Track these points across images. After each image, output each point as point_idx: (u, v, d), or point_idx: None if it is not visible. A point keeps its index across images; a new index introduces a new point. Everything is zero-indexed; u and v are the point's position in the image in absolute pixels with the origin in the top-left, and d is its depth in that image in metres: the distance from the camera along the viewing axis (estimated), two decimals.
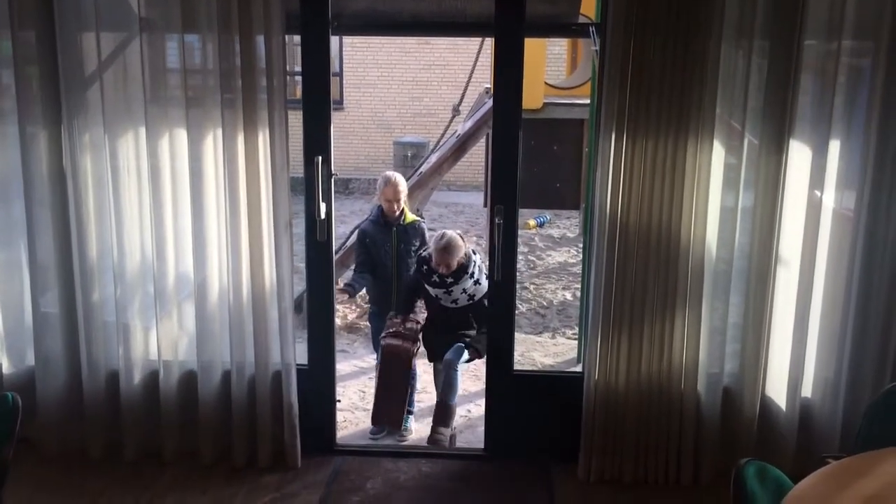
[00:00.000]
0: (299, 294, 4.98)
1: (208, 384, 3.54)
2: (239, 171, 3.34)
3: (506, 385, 3.65)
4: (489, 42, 8.07)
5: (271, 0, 3.19)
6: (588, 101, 6.01)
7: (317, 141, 3.44)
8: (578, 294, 6.99)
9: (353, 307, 6.71)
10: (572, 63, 9.56)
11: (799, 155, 3.26)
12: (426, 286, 4.27)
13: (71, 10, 3.27)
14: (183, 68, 3.30)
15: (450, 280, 4.18)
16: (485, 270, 4.17)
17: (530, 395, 3.67)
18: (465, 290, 4.19)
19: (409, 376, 4.33)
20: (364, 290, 4.92)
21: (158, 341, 3.54)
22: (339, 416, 3.94)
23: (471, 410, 4.86)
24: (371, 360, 5.28)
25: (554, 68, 11.07)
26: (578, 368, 3.73)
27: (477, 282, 4.20)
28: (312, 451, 3.64)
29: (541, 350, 6.23)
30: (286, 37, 3.28)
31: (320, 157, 3.41)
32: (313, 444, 3.64)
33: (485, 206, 8.87)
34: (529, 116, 6.72)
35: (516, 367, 3.77)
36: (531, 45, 6.80)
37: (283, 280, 3.43)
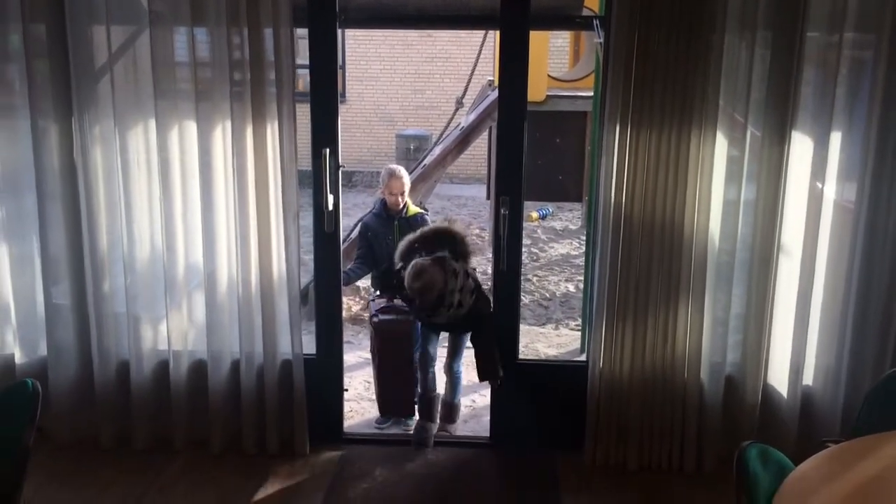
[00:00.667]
0: (305, 285, 5.03)
1: (218, 373, 3.59)
2: (248, 163, 3.38)
3: (511, 374, 3.70)
4: (492, 35, 8.10)
5: None
6: (591, 94, 6.03)
7: (324, 133, 3.48)
8: (581, 286, 7.02)
9: (358, 299, 6.76)
10: (575, 56, 9.58)
11: (801, 146, 3.30)
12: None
13: (81, 3, 3.31)
14: (192, 61, 3.34)
15: (427, 313, 3.65)
16: (472, 286, 3.68)
17: (535, 385, 3.71)
18: (448, 310, 3.57)
19: (411, 356, 3.97)
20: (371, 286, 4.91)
21: (168, 331, 3.58)
22: (346, 407, 3.97)
23: (475, 401, 4.89)
24: None
25: (557, 61, 11.09)
26: (582, 358, 3.76)
27: (460, 303, 3.58)
28: (320, 439, 3.70)
29: (544, 341, 6.27)
30: (293, 30, 3.32)
31: (328, 150, 3.45)
32: (321, 432, 3.70)
33: (487, 198, 8.89)
34: (533, 109, 6.72)
35: (520, 356, 3.82)
36: (534, 38, 6.82)
37: (291, 270, 3.48)
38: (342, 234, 3.78)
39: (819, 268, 3.38)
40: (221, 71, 3.33)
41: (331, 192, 3.49)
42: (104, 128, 3.40)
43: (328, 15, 3.41)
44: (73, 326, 3.60)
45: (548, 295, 7.75)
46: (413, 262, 3.60)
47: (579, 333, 6.03)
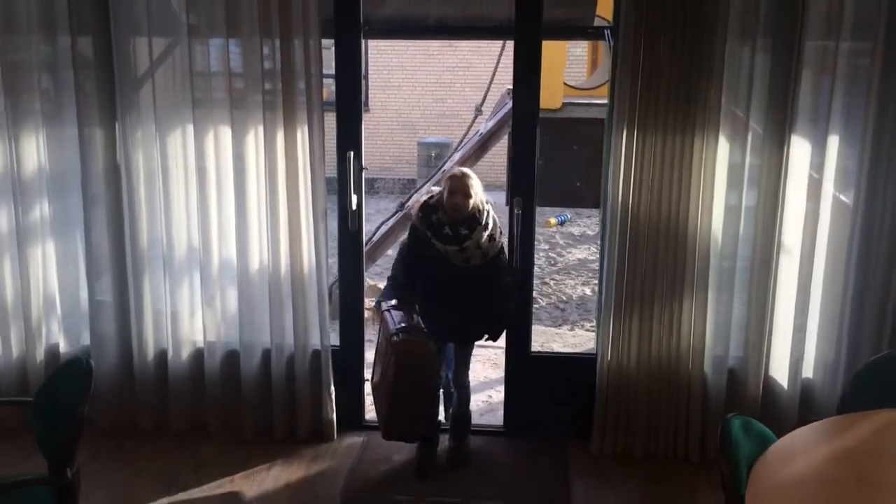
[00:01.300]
0: (329, 285, 5.25)
1: (249, 363, 3.82)
2: (279, 166, 3.62)
3: (523, 366, 3.90)
4: (510, 44, 8.33)
5: (309, 6, 3.47)
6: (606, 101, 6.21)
7: (349, 138, 3.71)
8: (597, 289, 7.20)
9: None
10: (593, 65, 9.77)
11: (800, 149, 3.47)
12: (435, 244, 3.46)
13: (125, 16, 3.56)
14: (227, 71, 3.59)
15: (464, 232, 3.41)
16: (500, 228, 3.56)
17: (546, 376, 3.91)
18: (479, 246, 3.42)
19: (435, 378, 3.61)
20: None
21: (203, 323, 3.83)
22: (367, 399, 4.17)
23: (491, 396, 5.09)
24: None
25: (577, 70, 11.29)
26: (591, 351, 3.95)
27: (491, 237, 3.45)
28: (343, 426, 3.90)
29: (560, 341, 6.46)
30: (321, 41, 3.56)
31: (352, 153, 3.69)
32: (344, 419, 3.90)
33: (506, 204, 8.99)
34: (550, 116, 6.94)
35: (533, 350, 4.02)
36: (551, 47, 7.06)
37: (320, 266, 3.70)
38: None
39: (817, 266, 3.54)
40: (254, 80, 3.57)
41: (354, 193, 3.72)
42: (145, 133, 3.66)
43: (353, 26, 3.64)
44: (115, 318, 3.84)
45: (564, 298, 7.94)
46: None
47: (594, 334, 6.22)
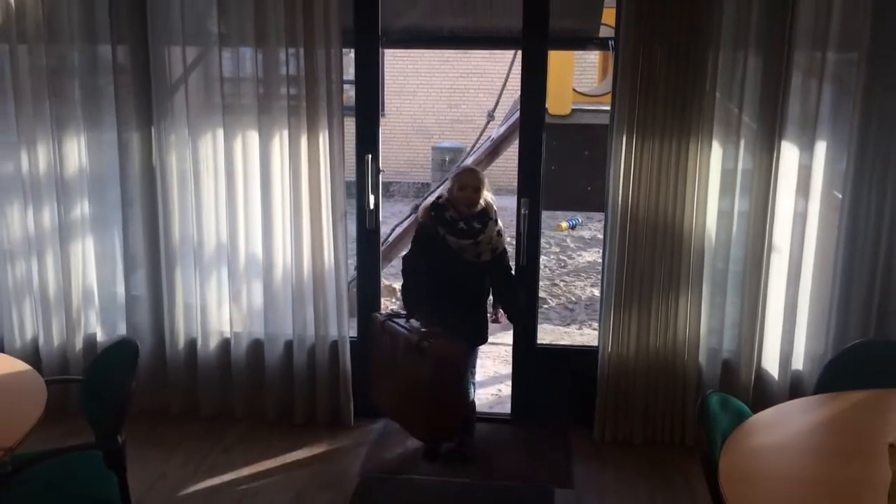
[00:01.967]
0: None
1: (273, 352, 4.09)
2: (302, 168, 3.88)
3: (529, 358, 4.14)
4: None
5: (330, 17, 3.72)
6: None
7: (367, 141, 3.97)
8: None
9: (394, 299, 7.24)
10: (603, 72, 10.00)
11: (789, 153, 3.70)
12: (449, 241, 3.55)
13: (161, 26, 3.83)
14: (255, 77, 3.85)
15: (478, 225, 3.57)
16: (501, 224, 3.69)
17: (551, 367, 4.15)
18: (490, 241, 3.58)
19: (465, 382, 3.65)
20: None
21: (231, 315, 4.09)
22: None
23: (501, 389, 5.31)
24: None
25: (590, 76, 11.54)
26: (593, 343, 4.18)
27: (499, 232, 3.64)
28: (360, 414, 4.14)
29: (568, 339, 6.69)
30: (342, 50, 3.82)
31: (370, 156, 3.95)
32: (361, 407, 4.14)
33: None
34: (560, 122, 7.19)
35: (539, 342, 4.26)
36: (560, 55, 7.30)
37: (339, 262, 3.96)
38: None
39: (806, 264, 3.76)
40: (279, 86, 3.84)
41: (372, 193, 3.98)
42: (179, 136, 3.93)
43: (372, 36, 3.90)
44: (149, 310, 4.12)
45: (574, 299, 8.17)
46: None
47: None
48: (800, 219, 3.72)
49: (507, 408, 4.36)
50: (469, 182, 3.61)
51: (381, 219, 4.11)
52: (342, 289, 3.98)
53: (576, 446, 3.97)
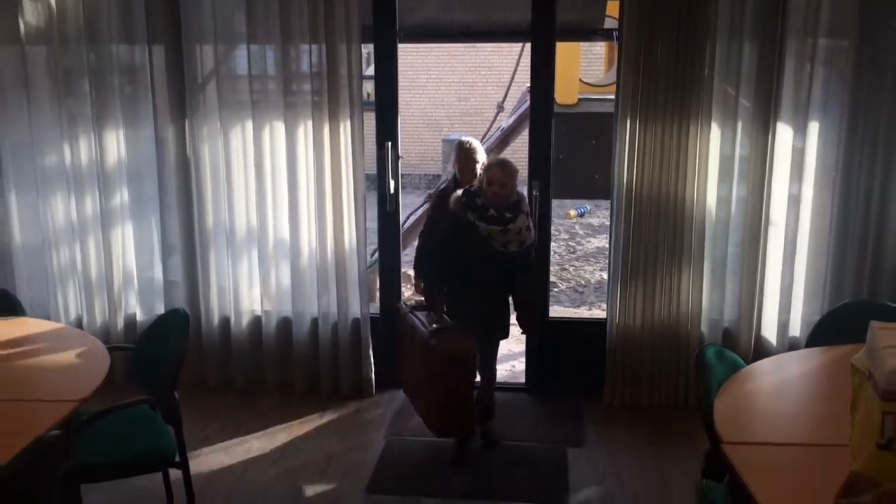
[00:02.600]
0: (370, 264, 5.76)
1: (300, 329, 4.37)
2: (325, 157, 4.15)
3: (543, 330, 4.40)
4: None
5: (351, 15, 3.99)
6: None
7: (387, 130, 4.24)
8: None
9: (409, 285, 7.51)
10: (609, 63, 10.23)
11: (784, 134, 3.95)
12: (479, 227, 3.51)
13: (193, 26, 4.11)
14: (280, 73, 4.13)
15: (508, 215, 3.53)
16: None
17: (563, 338, 4.42)
18: (519, 232, 3.54)
19: (473, 379, 3.66)
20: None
21: (261, 294, 4.38)
22: None
23: (514, 366, 5.59)
24: None
25: (596, 67, 11.77)
26: (602, 315, 4.44)
27: (529, 227, 3.60)
28: (382, 386, 4.42)
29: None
30: (361, 46, 4.08)
31: (390, 143, 4.22)
32: (383, 380, 4.41)
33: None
34: (567, 111, 7.44)
35: (551, 316, 4.53)
36: (567, 46, 7.53)
37: (359, 245, 4.24)
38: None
39: (801, 237, 4.03)
40: (303, 81, 4.11)
41: (392, 179, 4.25)
42: (211, 129, 4.21)
43: (390, 32, 4.17)
44: (185, 290, 4.41)
45: (583, 282, 8.43)
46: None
47: None
48: (794, 197, 3.97)
49: (522, 378, 4.62)
50: (496, 177, 3.53)
51: (400, 206, 4.37)
52: (363, 269, 4.26)
53: (587, 411, 4.24)
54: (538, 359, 4.46)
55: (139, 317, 4.48)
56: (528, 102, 8.27)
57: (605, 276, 8.66)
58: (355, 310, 4.33)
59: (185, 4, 4.07)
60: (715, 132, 3.96)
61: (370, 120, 4.19)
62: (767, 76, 3.86)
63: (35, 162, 4.29)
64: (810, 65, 3.85)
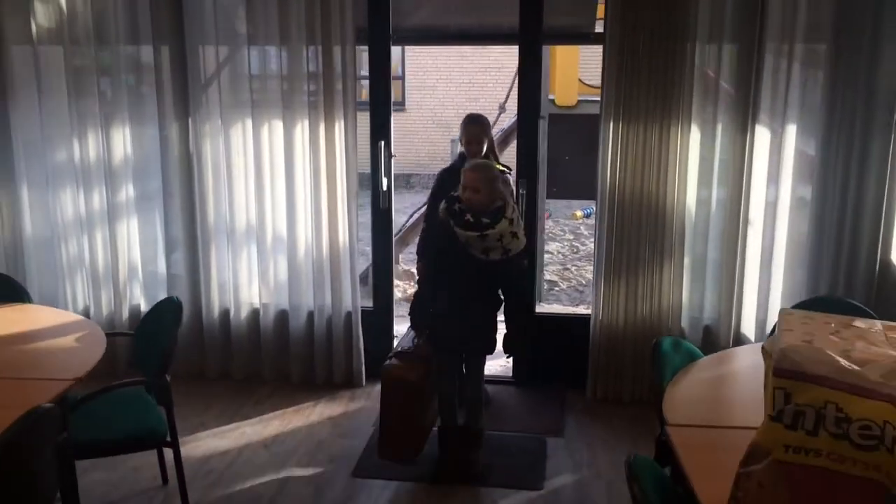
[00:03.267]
0: (365, 269, 5.94)
1: (297, 321, 4.54)
2: (321, 154, 4.32)
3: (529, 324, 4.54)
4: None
5: (346, 17, 4.15)
6: None
7: (380, 129, 4.40)
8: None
9: (412, 283, 7.68)
10: None
11: (762, 136, 4.07)
12: (457, 233, 3.31)
13: (196, 27, 4.29)
14: (279, 74, 4.30)
15: (486, 220, 3.29)
16: (521, 226, 3.45)
17: (548, 333, 4.56)
18: (501, 238, 3.29)
19: (419, 407, 3.56)
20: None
21: (259, 287, 4.56)
22: None
23: (508, 363, 5.73)
24: None
25: (595, 68, 11.87)
26: (586, 311, 4.57)
27: (514, 234, 3.34)
28: (372, 375, 4.55)
29: None
30: (356, 47, 4.25)
31: (383, 142, 4.38)
32: (373, 370, 4.51)
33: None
34: (566, 112, 7.58)
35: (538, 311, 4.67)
36: (567, 49, 7.65)
37: (352, 241, 4.40)
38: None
39: (779, 237, 4.15)
40: (300, 81, 4.28)
41: (385, 177, 4.42)
42: (212, 126, 4.39)
43: (384, 35, 4.33)
44: (187, 283, 4.59)
45: (584, 282, 8.54)
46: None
47: None
48: (772, 197, 4.09)
49: (510, 371, 4.76)
50: (469, 182, 3.34)
51: (402, 210, 4.53)
52: (355, 264, 4.43)
53: (570, 403, 4.38)
54: (527, 352, 4.59)
55: (143, 307, 4.66)
56: None
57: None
58: (348, 303, 4.49)
59: (188, 7, 4.26)
60: (695, 133, 4.09)
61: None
62: (746, 78, 3.99)
63: (46, 158, 4.50)
64: (787, 68, 3.97)
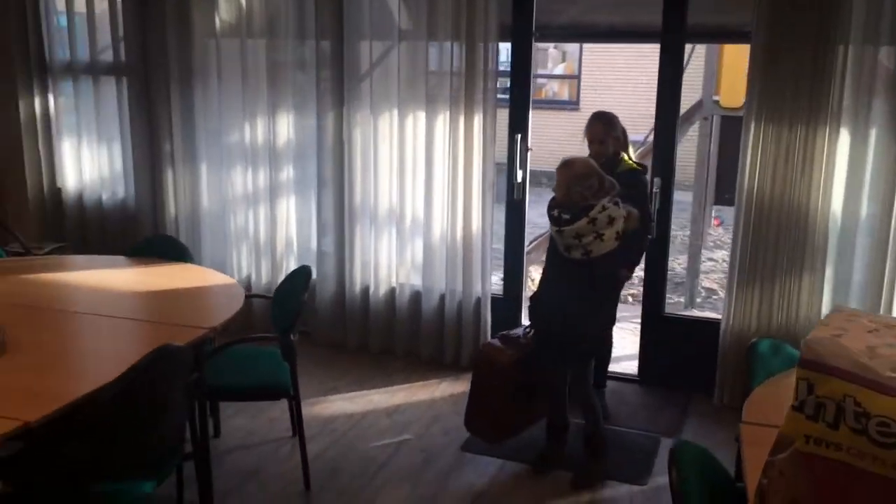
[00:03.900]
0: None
1: (429, 303, 4.79)
2: (459, 145, 4.53)
3: (657, 325, 4.51)
4: (704, 49, 8.72)
5: (490, 15, 4.33)
6: None
7: (519, 123, 4.54)
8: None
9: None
10: None
11: None
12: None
13: (354, 24, 4.63)
14: (426, 68, 4.55)
15: (565, 216, 3.29)
16: (618, 229, 3.30)
17: (677, 335, 4.49)
18: (579, 237, 3.25)
19: (504, 392, 3.60)
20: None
21: (397, 268, 4.85)
22: None
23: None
24: None
25: None
26: (717, 316, 4.45)
27: (599, 236, 3.25)
28: None
29: None
30: (498, 44, 4.41)
31: (520, 135, 4.52)
32: None
33: (703, 206, 8.63)
34: (732, 114, 7.30)
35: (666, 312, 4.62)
36: (735, 49, 7.34)
37: (485, 227, 4.58)
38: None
39: None
40: (444, 75, 4.51)
41: (520, 168, 4.55)
42: (363, 116, 4.73)
43: (526, 32, 4.47)
44: (334, 261, 4.97)
45: None
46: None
47: None
48: None
49: (634, 368, 4.73)
50: (557, 176, 3.42)
51: (528, 196, 4.66)
52: (487, 250, 4.60)
53: (693, 407, 4.31)
54: (651, 352, 4.57)
55: None
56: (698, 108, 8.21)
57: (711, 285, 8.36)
58: (478, 288, 4.68)
59: (348, 6, 4.61)
60: (843, 139, 3.88)
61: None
62: None
63: (221, 140, 5.05)
64: None
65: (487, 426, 3.69)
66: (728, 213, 10.80)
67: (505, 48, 4.64)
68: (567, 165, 3.42)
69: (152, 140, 5.16)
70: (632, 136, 4.03)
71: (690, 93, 9.72)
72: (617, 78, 14.79)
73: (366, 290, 4.94)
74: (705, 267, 8.85)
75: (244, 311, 4.85)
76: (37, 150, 5.45)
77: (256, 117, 4.94)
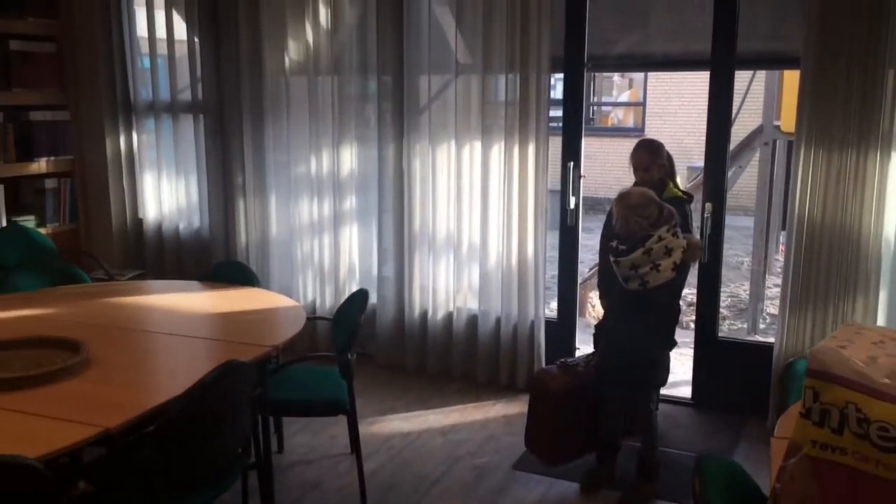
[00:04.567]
0: None
1: (485, 326, 4.93)
2: (514, 173, 4.69)
3: (710, 348, 4.54)
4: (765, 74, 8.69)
5: (543, 47, 4.49)
6: None
7: (571, 151, 4.68)
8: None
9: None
10: None
11: None
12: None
13: (414, 59, 4.87)
14: (482, 99, 4.75)
15: (622, 247, 3.38)
16: (676, 259, 3.36)
17: (731, 359, 4.51)
18: (635, 268, 3.34)
19: (557, 418, 3.71)
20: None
21: (454, 293, 5.02)
22: None
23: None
24: None
25: None
26: (771, 340, 4.45)
27: (655, 267, 3.32)
28: None
29: None
30: (550, 75, 4.57)
31: (572, 163, 4.65)
32: None
33: (764, 231, 8.55)
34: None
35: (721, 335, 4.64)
36: (795, 74, 7.31)
37: (538, 252, 4.71)
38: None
39: None
40: (499, 107, 4.69)
41: (573, 196, 4.68)
42: (422, 147, 4.94)
43: (579, 62, 4.62)
44: (394, 285, 5.18)
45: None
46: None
47: None
48: None
49: (688, 392, 4.75)
50: (614, 208, 3.52)
51: (581, 222, 4.78)
52: (540, 275, 4.72)
53: (747, 430, 4.31)
54: (704, 375, 4.59)
55: None
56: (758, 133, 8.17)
57: (775, 311, 8.14)
58: (532, 312, 4.80)
59: (409, 42, 4.86)
60: (895, 161, 3.88)
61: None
62: None
63: (289, 171, 5.34)
64: None
65: (544, 449, 3.82)
66: None
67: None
68: (622, 198, 3.49)
69: (226, 173, 5.49)
70: (695, 164, 4.11)
71: (752, 118, 9.74)
72: (682, 105, 14.77)
73: (424, 314, 5.12)
74: (771, 293, 8.72)
75: (308, 332, 5.16)
76: (121, 183, 5.84)
77: (322, 150, 5.21)
